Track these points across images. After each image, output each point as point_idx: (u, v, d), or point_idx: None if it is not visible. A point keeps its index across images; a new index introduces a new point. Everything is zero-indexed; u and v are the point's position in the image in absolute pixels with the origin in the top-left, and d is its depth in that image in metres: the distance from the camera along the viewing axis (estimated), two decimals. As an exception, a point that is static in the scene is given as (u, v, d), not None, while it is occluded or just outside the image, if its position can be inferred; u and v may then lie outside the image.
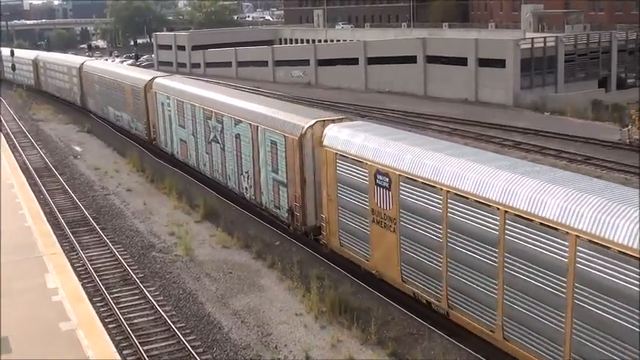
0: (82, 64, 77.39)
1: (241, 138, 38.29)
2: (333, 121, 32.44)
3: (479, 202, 22.08)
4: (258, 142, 36.28)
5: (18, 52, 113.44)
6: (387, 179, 26.23)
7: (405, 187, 25.36)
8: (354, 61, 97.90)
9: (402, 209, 25.60)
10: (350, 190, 28.82)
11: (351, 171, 28.51)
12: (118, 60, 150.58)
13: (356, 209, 28.59)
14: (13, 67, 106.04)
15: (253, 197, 38.05)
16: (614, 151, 51.55)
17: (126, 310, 28.06)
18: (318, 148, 31.41)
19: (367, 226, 28.02)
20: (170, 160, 51.91)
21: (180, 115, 47.48)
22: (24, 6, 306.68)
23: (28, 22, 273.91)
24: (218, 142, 41.66)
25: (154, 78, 54.75)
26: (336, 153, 29.42)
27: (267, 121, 35.50)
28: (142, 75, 59.37)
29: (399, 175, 25.57)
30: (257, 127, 36.18)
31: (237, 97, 43.61)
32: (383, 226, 26.94)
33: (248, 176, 38.24)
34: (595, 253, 18.45)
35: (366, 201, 27.80)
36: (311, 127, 32.11)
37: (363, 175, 27.76)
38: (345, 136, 29.56)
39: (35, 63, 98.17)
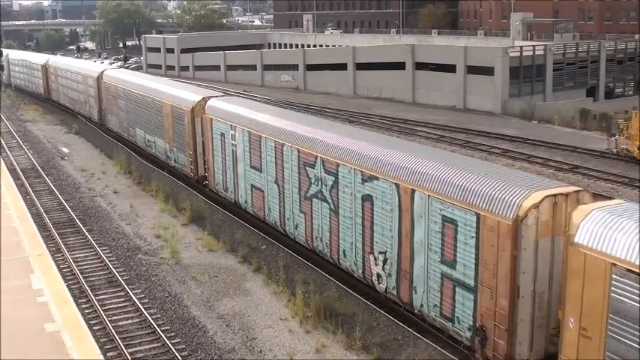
0: (101, 73, 65.01)
1: (375, 202, 26.35)
2: (565, 195, 21.11)
3: None
4: (412, 214, 24.54)
5: (25, 55, 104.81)
6: None
7: None
8: (342, 67, 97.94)
9: None
10: None
11: None
12: (107, 62, 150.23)
13: None
14: (1, 68, 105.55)
15: (393, 292, 26.23)
16: (602, 160, 51.70)
17: (111, 312, 28.06)
18: (544, 239, 20.60)
19: None
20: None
21: (254, 154, 35.68)
22: (13, 6, 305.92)
23: (17, 22, 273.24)
24: (325, 202, 29.69)
25: (206, 98, 43.03)
26: (612, 263, 17.48)
27: (438, 185, 23.62)
28: (189, 94, 46.12)
29: None
30: (412, 191, 24.47)
31: (367, 139, 29.80)
32: None
33: (384, 259, 26.38)
34: None
35: None
36: (535, 206, 20.53)
37: None
38: (633, 238, 17.42)
39: (45, 68, 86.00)
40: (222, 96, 45.46)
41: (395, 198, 25.36)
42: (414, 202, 24.41)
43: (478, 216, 21.66)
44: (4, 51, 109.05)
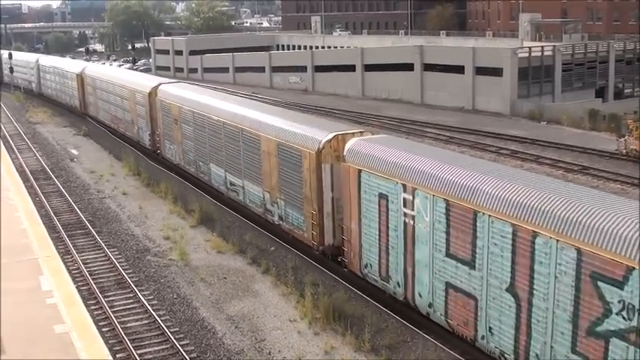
0: (156, 88, 52.33)
1: None
2: None
3: None
4: None
5: (57, 61, 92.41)
6: None
7: None
8: (351, 68, 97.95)
9: None
10: None
11: None
12: (115, 64, 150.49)
13: None
14: (11, 70, 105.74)
15: None
16: (611, 161, 51.56)
17: (120, 314, 28.04)
18: None
19: None
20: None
21: (457, 237, 22.86)
22: (22, 9, 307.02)
23: (27, 25, 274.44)
24: None
25: (341, 137, 30.35)
26: None
27: None
28: (310, 128, 32.55)
29: None
30: None
31: None
32: None
33: None
34: None
35: None
36: None
37: None
38: None
39: (81, 78, 74.64)
40: (364, 132, 31.50)
41: None
42: None
43: None
44: (35, 56, 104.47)
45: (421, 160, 25.25)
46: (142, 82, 57.70)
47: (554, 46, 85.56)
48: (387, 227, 26.37)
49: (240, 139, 37.96)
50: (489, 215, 21.40)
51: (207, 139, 42.72)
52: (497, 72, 77.64)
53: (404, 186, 25.10)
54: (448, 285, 23.68)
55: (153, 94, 52.33)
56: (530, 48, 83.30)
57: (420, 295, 25.25)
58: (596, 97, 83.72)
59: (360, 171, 27.57)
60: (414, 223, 24.86)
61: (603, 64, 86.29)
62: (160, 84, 53.06)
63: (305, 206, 31.82)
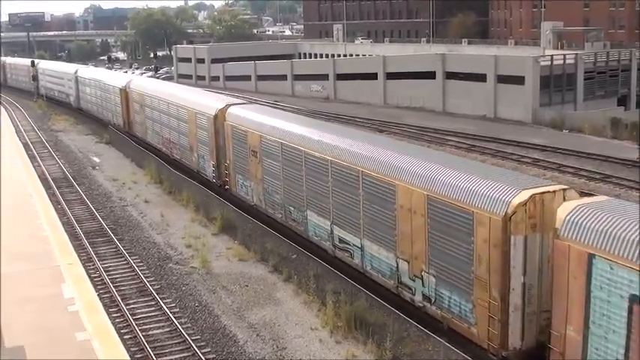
0: (223, 111, 43.40)
1: None
2: None
3: None
4: None
5: (98, 74, 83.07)
6: None
7: None
8: (372, 76, 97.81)
9: None
10: None
11: None
12: (137, 72, 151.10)
13: None
14: (34, 78, 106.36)
15: None
16: (634, 170, 51.16)
17: (141, 321, 28.09)
18: None
19: None
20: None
21: None
22: (45, 17, 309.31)
23: (49, 33, 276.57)
24: None
25: (541, 196, 21.39)
26: None
27: None
28: (482, 180, 23.21)
29: None
30: None
31: None
32: None
33: None
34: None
35: None
36: None
37: None
38: None
39: (125, 93, 66.03)
40: (568, 189, 22.31)
41: None
42: None
43: None
44: (74, 67, 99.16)
45: None
46: (204, 101, 48.53)
47: (576, 54, 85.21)
48: None
49: (359, 186, 28.94)
50: None
51: (303, 179, 33.79)
52: (519, 80, 77.32)
53: None
54: None
55: (220, 117, 43.40)
56: (552, 56, 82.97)
57: None
58: (618, 105, 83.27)
59: (591, 256, 18.51)
60: None
61: (625, 72, 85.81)
62: (229, 105, 44.19)
63: (476, 291, 22.86)
